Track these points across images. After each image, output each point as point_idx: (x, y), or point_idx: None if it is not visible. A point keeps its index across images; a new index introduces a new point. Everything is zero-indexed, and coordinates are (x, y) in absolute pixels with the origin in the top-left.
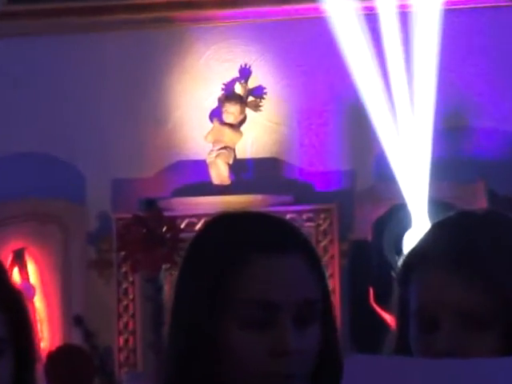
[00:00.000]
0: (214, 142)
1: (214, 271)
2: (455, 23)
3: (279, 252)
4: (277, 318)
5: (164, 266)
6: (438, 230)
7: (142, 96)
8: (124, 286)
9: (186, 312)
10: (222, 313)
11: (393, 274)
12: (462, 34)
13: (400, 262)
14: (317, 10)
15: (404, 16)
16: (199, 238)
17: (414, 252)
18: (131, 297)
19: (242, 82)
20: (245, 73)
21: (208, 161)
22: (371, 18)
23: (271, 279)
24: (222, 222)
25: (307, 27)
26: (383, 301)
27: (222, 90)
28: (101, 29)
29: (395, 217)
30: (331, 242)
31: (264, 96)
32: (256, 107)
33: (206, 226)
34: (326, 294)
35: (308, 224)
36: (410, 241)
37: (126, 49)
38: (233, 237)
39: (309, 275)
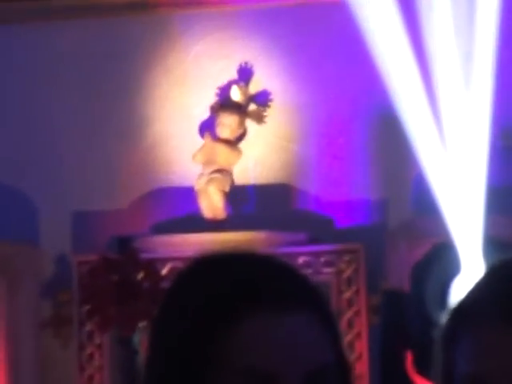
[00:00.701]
0: (206, 164)
1: (193, 334)
2: None
3: (280, 307)
4: None
5: (140, 324)
6: (495, 277)
7: (112, 103)
8: (88, 350)
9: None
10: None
11: (436, 332)
12: None
13: (445, 317)
14: None
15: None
16: (174, 290)
17: (465, 305)
18: (97, 364)
19: (242, 85)
20: (245, 73)
21: (197, 188)
22: (408, 2)
23: (268, 343)
24: (204, 266)
25: (325, 14)
26: (423, 367)
27: (216, 95)
28: (55, 15)
29: (439, 260)
30: (357, 293)
31: (269, 104)
32: (259, 118)
33: (184, 271)
34: (341, 361)
35: (327, 270)
36: (459, 290)
37: (88, 42)
38: (219, 287)
39: (319, 337)
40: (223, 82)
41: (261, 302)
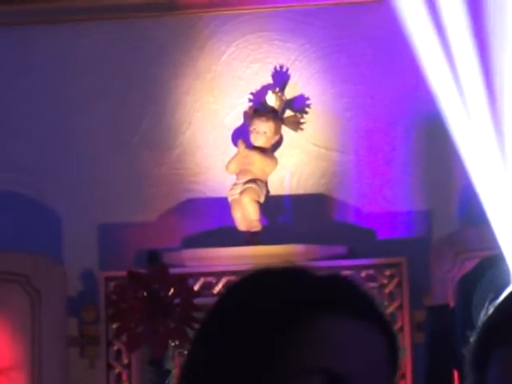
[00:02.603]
0: (239, 173)
1: (264, 334)
2: None
3: (353, 314)
4: None
5: (172, 343)
6: None
7: (139, 111)
8: (117, 370)
9: None
10: None
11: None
12: None
13: (474, 336)
14: None
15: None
16: (220, 308)
17: (494, 322)
18: None
19: (277, 90)
20: (280, 78)
21: (231, 199)
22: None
23: (344, 344)
24: (271, 274)
25: (366, 14)
26: None
27: (250, 101)
28: (79, 16)
29: (488, 273)
30: (400, 308)
31: (306, 110)
32: (296, 125)
33: (234, 286)
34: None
35: (368, 284)
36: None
37: (113, 45)
38: (292, 293)
39: (384, 350)
40: (257, 87)
41: (335, 306)
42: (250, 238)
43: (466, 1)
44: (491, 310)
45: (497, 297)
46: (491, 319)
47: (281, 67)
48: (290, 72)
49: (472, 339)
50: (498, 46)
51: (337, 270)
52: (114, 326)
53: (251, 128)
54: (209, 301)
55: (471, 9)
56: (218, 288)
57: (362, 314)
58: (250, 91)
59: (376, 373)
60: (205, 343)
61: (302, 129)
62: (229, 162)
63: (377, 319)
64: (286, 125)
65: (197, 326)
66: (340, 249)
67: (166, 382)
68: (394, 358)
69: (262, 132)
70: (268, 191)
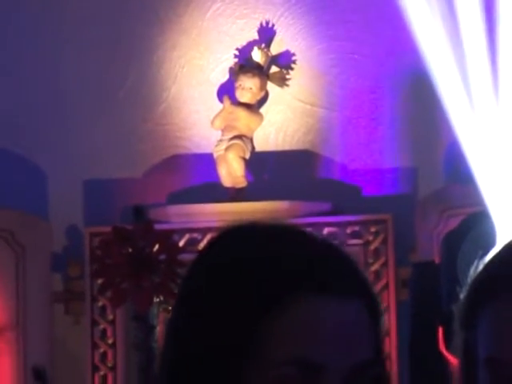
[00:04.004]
0: (225, 130)
1: (232, 318)
2: None
3: (329, 293)
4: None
5: (156, 299)
6: None
7: (124, 66)
8: (101, 326)
9: (189, 373)
10: (246, 376)
11: (455, 308)
12: None
13: (463, 293)
14: None
15: None
16: (203, 264)
17: (483, 279)
18: (111, 341)
19: (263, 46)
20: (266, 34)
21: (216, 155)
22: None
23: (318, 330)
24: (242, 238)
25: None
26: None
27: (235, 57)
28: None
29: (473, 230)
30: (385, 265)
31: (292, 66)
32: (281, 81)
33: (216, 243)
34: (381, 358)
35: (353, 241)
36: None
37: (97, 2)
38: (263, 264)
39: (365, 331)
40: (243, 42)
41: (308, 286)
42: (235, 195)
43: None
44: (481, 267)
45: (482, 253)
46: (481, 276)
47: (267, 23)
48: (275, 28)
49: (461, 296)
50: (484, 4)
51: (320, 228)
52: (99, 281)
53: (237, 84)
54: (193, 257)
55: None
56: (202, 244)
57: (345, 291)
58: (235, 47)
59: (350, 356)
60: (171, 319)
61: (287, 85)
62: (214, 118)
63: (363, 296)
64: (271, 81)
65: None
66: (325, 205)
67: (151, 337)
68: (377, 334)
69: (247, 88)
70: (253, 147)
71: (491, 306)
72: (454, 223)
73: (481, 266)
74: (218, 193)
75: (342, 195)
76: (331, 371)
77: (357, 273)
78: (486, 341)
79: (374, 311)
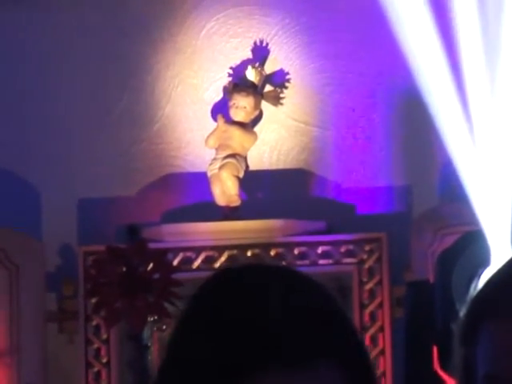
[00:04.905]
0: (219, 148)
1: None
2: None
3: (303, 365)
4: None
5: (150, 318)
6: None
7: (120, 85)
8: (95, 345)
9: None
10: None
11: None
12: None
13: (464, 311)
14: None
15: None
16: (182, 319)
17: (482, 297)
18: (105, 360)
19: (257, 65)
20: (260, 52)
21: (210, 174)
22: None
23: None
24: (220, 296)
25: None
26: (450, 362)
27: (230, 76)
28: None
29: (467, 249)
30: (380, 284)
31: (286, 85)
32: (275, 100)
33: (197, 297)
34: None
35: (348, 260)
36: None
37: (95, 20)
38: (232, 332)
39: None
40: (237, 61)
41: (274, 356)
42: (229, 213)
43: None
44: (481, 284)
45: (478, 272)
46: (481, 293)
47: (261, 42)
48: (269, 47)
49: (461, 313)
50: (480, 23)
51: (314, 246)
52: (93, 300)
53: (231, 103)
54: (188, 276)
55: None
56: (196, 263)
57: (309, 360)
58: (229, 66)
59: None
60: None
61: (281, 104)
62: (208, 137)
63: (342, 359)
64: (265, 100)
65: (175, 301)
66: (319, 224)
67: (145, 356)
68: None
69: (241, 107)
70: (247, 166)
71: (491, 323)
72: (448, 242)
73: (481, 284)
74: (212, 211)
75: (336, 214)
76: None
77: (344, 335)
78: (486, 358)
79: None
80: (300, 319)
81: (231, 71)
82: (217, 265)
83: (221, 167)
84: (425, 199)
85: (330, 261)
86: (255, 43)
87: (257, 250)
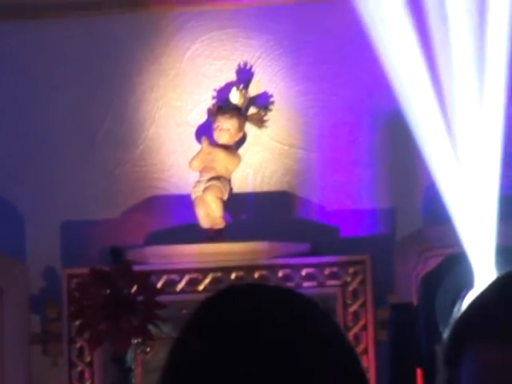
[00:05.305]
0: (203, 171)
1: None
2: None
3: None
4: None
5: (134, 341)
6: (503, 288)
7: (103, 107)
8: (79, 368)
9: None
10: None
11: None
12: None
13: (448, 333)
14: None
15: None
16: (184, 337)
17: (466, 319)
18: (88, 383)
19: (241, 87)
20: (244, 75)
21: (194, 196)
22: (418, 2)
23: None
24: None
25: (330, 12)
26: None
27: (214, 98)
28: (39, 13)
29: (451, 271)
30: (363, 306)
31: (270, 107)
32: (259, 122)
33: (198, 313)
34: None
35: (332, 282)
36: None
37: (77, 42)
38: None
39: None
40: (221, 84)
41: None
42: (213, 236)
43: (423, 4)
44: (465, 306)
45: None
46: (464, 315)
47: (245, 64)
48: (253, 69)
49: (445, 336)
50: (464, 46)
51: (298, 268)
52: (77, 323)
53: (215, 125)
54: (171, 298)
55: (432, 7)
56: (180, 285)
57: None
58: (213, 88)
59: None
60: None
61: (265, 126)
62: (192, 159)
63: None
64: (249, 122)
65: (159, 323)
66: (303, 246)
67: (128, 379)
68: None
69: (225, 129)
70: (231, 188)
71: (474, 345)
72: (432, 264)
73: (464, 306)
74: (196, 234)
75: (320, 236)
76: None
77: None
78: (469, 380)
79: None
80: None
81: (215, 93)
82: (201, 287)
83: (205, 189)
84: (408, 222)
85: (315, 283)
86: (239, 66)
87: (241, 273)
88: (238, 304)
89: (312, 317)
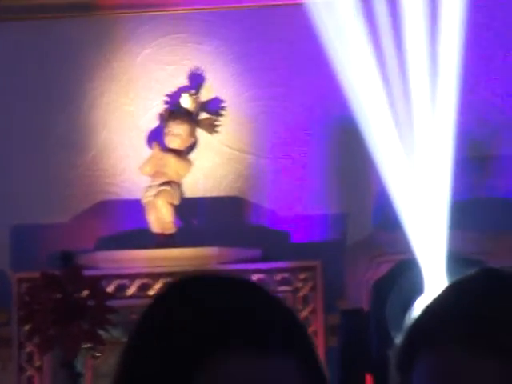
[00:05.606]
0: (154, 176)
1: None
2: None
3: (261, 353)
4: None
5: (84, 346)
6: (453, 295)
7: (54, 111)
8: (28, 372)
9: None
10: None
11: (391, 353)
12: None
13: (400, 339)
14: None
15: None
16: (142, 323)
17: (419, 325)
18: None
19: (192, 92)
20: (196, 80)
21: (145, 201)
22: (372, 10)
23: None
24: (176, 298)
25: (281, 19)
26: None
27: (165, 103)
28: None
29: (402, 278)
30: (314, 312)
31: (221, 112)
32: (211, 127)
33: (155, 301)
34: None
35: (282, 288)
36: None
37: (27, 45)
38: (190, 325)
39: None
40: (172, 89)
41: (236, 345)
42: (164, 241)
43: (384, 6)
44: (417, 312)
45: (411, 301)
46: (418, 321)
47: (196, 69)
48: (205, 74)
49: (398, 341)
50: (416, 50)
51: (248, 274)
52: (27, 327)
53: (166, 130)
54: (122, 303)
55: (389, 13)
56: (131, 290)
57: (275, 350)
58: (165, 93)
59: None
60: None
61: (216, 131)
62: (143, 164)
63: (296, 353)
64: (201, 127)
65: (109, 328)
66: (254, 252)
67: None
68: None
69: (176, 134)
70: (182, 193)
71: (427, 351)
72: (383, 270)
73: (416, 312)
74: (147, 239)
75: (271, 241)
76: None
77: (294, 327)
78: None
79: (310, 367)
80: (263, 310)
81: (167, 98)
82: (151, 292)
83: (156, 194)
84: (360, 227)
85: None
86: (191, 71)
87: None
88: (186, 300)
89: (261, 302)
